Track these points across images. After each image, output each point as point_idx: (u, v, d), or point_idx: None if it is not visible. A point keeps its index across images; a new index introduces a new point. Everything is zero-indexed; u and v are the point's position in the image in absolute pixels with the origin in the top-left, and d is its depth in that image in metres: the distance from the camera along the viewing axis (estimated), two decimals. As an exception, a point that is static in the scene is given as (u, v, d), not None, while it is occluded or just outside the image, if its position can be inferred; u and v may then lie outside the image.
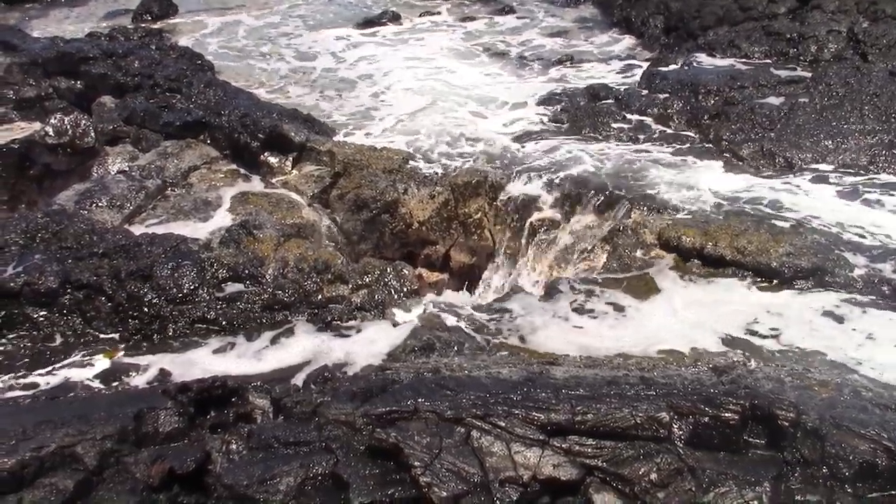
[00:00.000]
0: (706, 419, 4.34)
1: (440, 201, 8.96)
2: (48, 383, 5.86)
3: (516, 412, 4.10)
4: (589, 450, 3.99)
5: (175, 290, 6.66)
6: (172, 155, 8.92)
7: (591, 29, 15.52)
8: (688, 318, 6.42)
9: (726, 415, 4.33)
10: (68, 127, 9.54)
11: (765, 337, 6.12)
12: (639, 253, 7.41)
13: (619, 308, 6.61)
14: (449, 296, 7.59)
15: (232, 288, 6.77)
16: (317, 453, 3.94)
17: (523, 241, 8.84)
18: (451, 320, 6.57)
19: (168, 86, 10.05)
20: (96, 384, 5.87)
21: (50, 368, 6.18)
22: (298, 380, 5.71)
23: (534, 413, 4.10)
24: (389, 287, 7.22)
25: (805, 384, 5.13)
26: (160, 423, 4.37)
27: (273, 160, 9.23)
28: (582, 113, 10.51)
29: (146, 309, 6.58)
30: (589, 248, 8.05)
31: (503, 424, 4.02)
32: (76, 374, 6.06)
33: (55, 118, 9.54)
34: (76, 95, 10.25)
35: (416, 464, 3.77)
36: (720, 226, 7.43)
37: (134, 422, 4.23)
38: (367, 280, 7.19)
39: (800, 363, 5.68)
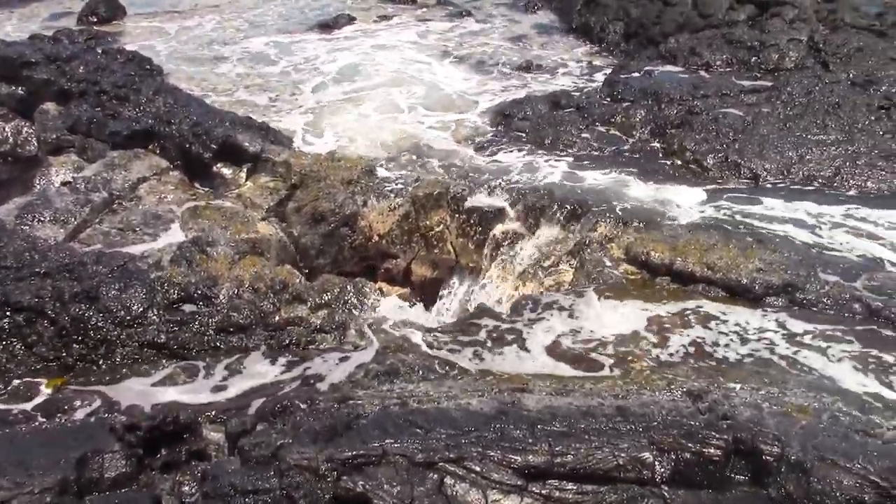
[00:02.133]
0: (688, 455, 4.13)
1: (401, 214, 8.69)
2: (-16, 416, 5.49)
3: (491, 454, 3.86)
4: (570, 495, 3.76)
5: (123, 312, 6.31)
6: (120, 166, 8.51)
7: (549, 34, 15.35)
8: (658, 337, 6.24)
9: (709, 450, 4.14)
10: (9, 135, 9.05)
11: (737, 357, 5.96)
12: (606, 269, 7.21)
13: (586, 328, 6.40)
14: (411, 313, 7.31)
15: (184, 310, 6.43)
16: (277, 503, 3.65)
17: (486, 254, 8.61)
18: (415, 340, 6.32)
19: (115, 93, 9.61)
20: (38, 416, 5.51)
21: (-14, 398, 5.81)
22: (255, 411, 5.39)
23: (510, 455, 3.86)
24: (350, 305, 6.94)
25: (783, 410, 4.98)
26: (106, 468, 4.04)
27: (226, 171, 8.88)
28: (544, 122, 10.32)
29: (92, 333, 6.23)
30: (555, 262, 7.84)
31: (478, 469, 3.77)
32: (16, 405, 5.68)
33: (-5, 126, 9.08)
34: (17, 101, 9.73)
35: (387, 516, 3.51)
36: (688, 240, 7.27)
37: (77, 469, 3.89)
38: (327, 298, 6.90)
39: (775, 385, 5.51)
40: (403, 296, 8.88)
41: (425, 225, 8.77)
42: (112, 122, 9.10)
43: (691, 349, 6.04)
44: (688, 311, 6.55)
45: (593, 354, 6.04)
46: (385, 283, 8.93)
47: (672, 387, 5.46)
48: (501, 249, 8.47)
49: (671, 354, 6.03)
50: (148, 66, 11.43)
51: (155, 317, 6.34)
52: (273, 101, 11.69)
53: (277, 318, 6.49)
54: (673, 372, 5.79)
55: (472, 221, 8.67)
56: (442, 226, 8.78)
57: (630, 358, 6.01)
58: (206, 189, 8.67)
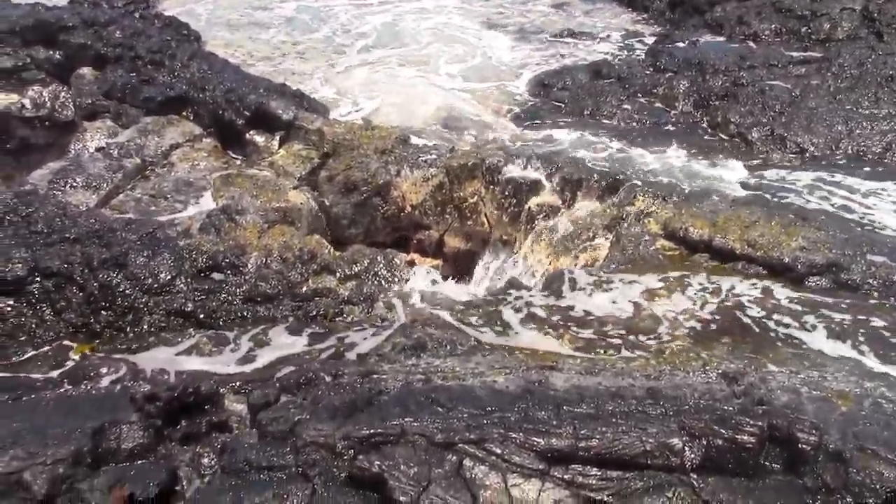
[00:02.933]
0: (720, 441, 3.96)
1: (434, 184, 8.53)
2: (12, 381, 5.49)
3: (513, 436, 3.72)
4: (594, 481, 3.61)
5: (151, 279, 6.28)
6: (153, 132, 8.47)
7: (594, 2, 14.99)
8: (694, 316, 6.04)
9: (743, 437, 3.96)
10: (47, 99, 9.10)
11: (776, 339, 5.74)
12: (643, 245, 7.01)
13: (621, 304, 6.21)
14: (442, 286, 7.20)
15: (211, 278, 6.37)
16: (292, 480, 3.56)
17: (521, 226, 8.43)
18: (444, 315, 6.19)
19: (150, 58, 9.54)
20: (64, 383, 5.49)
21: (14, 363, 5.81)
22: (279, 383, 5.31)
23: (533, 437, 3.72)
24: (379, 277, 6.84)
25: (823, 395, 4.77)
26: (123, 439, 3.98)
27: (259, 139, 8.78)
28: (583, 92, 10.07)
29: (119, 300, 6.20)
30: (591, 237, 7.65)
31: (499, 451, 3.64)
32: (42, 371, 5.68)
33: (33, 90, 9.09)
34: (55, 66, 9.73)
35: (402, 498, 3.39)
36: (729, 216, 7.03)
37: (93, 439, 3.83)
38: (356, 269, 6.81)
39: (814, 369, 5.30)
40: (435, 268, 8.77)
41: (459, 196, 8.61)
42: (146, 88, 9.05)
43: (728, 329, 5.83)
44: (726, 290, 6.33)
45: (626, 331, 5.86)
46: (417, 254, 8.81)
47: (707, 368, 5.29)
48: (537, 222, 8.28)
49: (707, 334, 5.83)
50: (185, 32, 11.34)
51: (182, 285, 6.30)
52: (309, 68, 11.55)
53: (305, 288, 6.41)
54: (708, 352, 5.60)
55: (507, 193, 8.48)
56: (476, 197, 8.61)
57: (664, 336, 5.83)
58: (239, 156, 8.59)
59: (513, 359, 5.54)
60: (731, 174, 8.10)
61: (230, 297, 6.29)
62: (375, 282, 6.76)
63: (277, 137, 8.82)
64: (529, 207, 8.36)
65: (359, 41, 12.73)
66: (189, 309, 6.19)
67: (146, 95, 8.96)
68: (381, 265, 6.89)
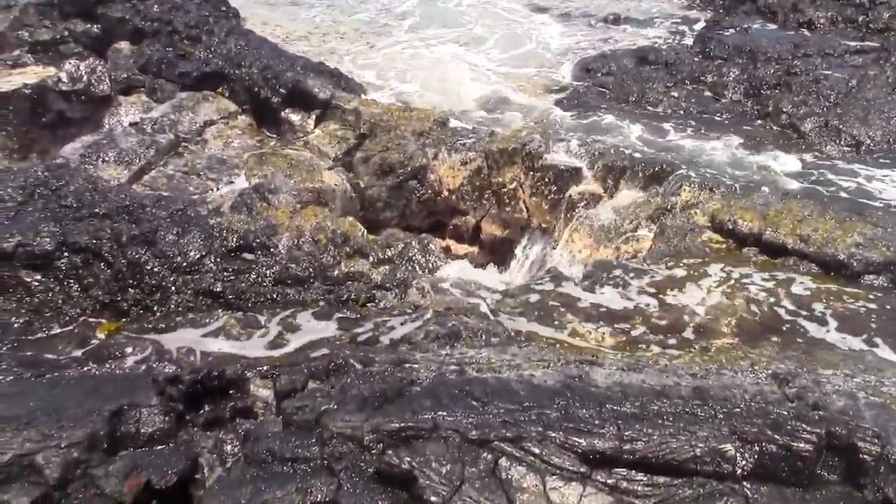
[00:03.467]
0: (775, 448, 3.69)
1: (473, 168, 8.29)
2: (34, 358, 5.35)
3: (553, 435, 3.48)
4: (639, 487, 3.36)
5: (180, 258, 6.12)
6: (188, 108, 8.32)
7: (640, -14, 14.60)
8: (741, 312, 5.75)
9: (799, 444, 3.68)
10: (83, 73, 8.98)
11: (829, 339, 5.45)
12: (689, 237, 6.72)
13: (665, 298, 5.94)
14: (478, 274, 6.96)
15: (242, 258, 6.20)
16: (317, 474, 3.35)
17: (561, 215, 8.16)
18: (479, 304, 5.95)
19: (187, 33, 9.39)
20: (88, 362, 5.35)
21: (40, 339, 5.69)
22: (307, 369, 5.12)
23: (573, 437, 3.47)
24: (414, 262, 6.63)
25: (882, 401, 4.47)
26: (142, 423, 3.80)
27: (294, 117, 8.59)
28: (629, 77, 9.75)
29: (147, 278, 6.06)
30: (634, 227, 7.36)
31: (537, 451, 3.40)
32: (66, 349, 5.54)
33: (70, 63, 8.99)
34: (92, 40, 9.64)
35: (434, 499, 3.17)
36: (780, 209, 6.72)
37: (110, 422, 3.66)
38: (390, 254, 6.60)
39: (871, 373, 5.00)
40: (471, 255, 8.54)
41: (498, 182, 8.35)
42: (182, 63, 8.91)
43: (777, 328, 5.55)
44: (776, 286, 6.03)
45: (669, 326, 5.61)
46: (453, 240, 8.59)
47: (756, 367, 5.01)
48: (577, 211, 8.00)
49: (754, 331, 5.56)
50: (223, 8, 11.13)
51: (212, 264, 6.13)
52: (349, 48, 11.34)
53: (337, 272, 6.21)
54: (757, 351, 5.33)
55: (547, 180, 8.21)
56: (515, 183, 8.35)
57: (710, 332, 5.56)
58: (274, 135, 8.41)
59: (551, 351, 5.30)
60: (782, 166, 7.77)
61: (260, 279, 6.11)
62: (409, 267, 6.55)
63: (313, 116, 8.63)
64: (570, 195, 8.09)
65: (400, 22, 12.49)
66: (218, 289, 6.03)
67: (182, 71, 8.81)
68: (416, 250, 6.68)
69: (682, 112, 8.99)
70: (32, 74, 9.04)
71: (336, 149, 8.10)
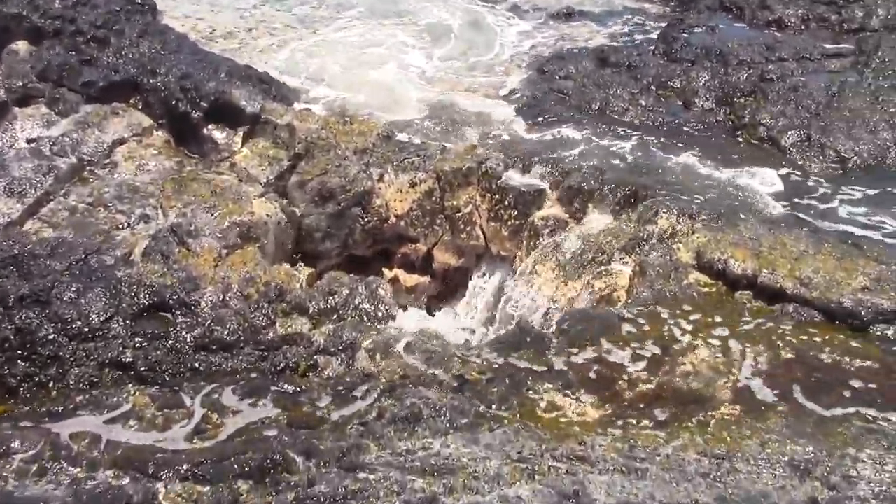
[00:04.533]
0: None
1: (423, 191, 7.44)
2: None
3: None
4: None
5: (80, 321, 5.15)
6: (93, 124, 7.23)
7: (594, -23, 13.76)
8: (741, 375, 5.02)
9: None
10: (-29, 80, 7.80)
11: (843, 409, 4.75)
12: (673, 278, 5.94)
13: (651, 356, 5.16)
14: (435, 323, 6.11)
15: (155, 320, 5.21)
16: None
17: (523, 242, 7.33)
18: (440, 368, 5.10)
19: (93, 33, 8.20)
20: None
21: None
22: (237, 472, 4.20)
23: None
24: (361, 312, 5.73)
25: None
26: None
27: (219, 135, 7.56)
28: (590, 82, 8.93)
29: (41, 347, 5.05)
30: (606, 259, 6.56)
31: None
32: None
33: (-43, 68, 7.81)
34: (-17, 39, 8.42)
35: None
36: (773, 245, 6.03)
37: None
38: (333, 303, 5.71)
39: (897, 453, 4.31)
40: (422, 285, 7.67)
41: (451, 205, 7.52)
42: (87, 70, 7.78)
43: (783, 393, 4.85)
44: (776, 339, 5.30)
45: (660, 393, 4.87)
46: (402, 269, 7.74)
47: (766, 450, 4.31)
48: (541, 238, 7.18)
49: (758, 398, 4.83)
50: (138, 1, 9.96)
51: (120, 328, 5.18)
52: (280, 46, 10.26)
53: (272, 334, 5.28)
54: (762, 424, 4.61)
55: (506, 203, 7.42)
56: (471, 206, 7.52)
57: (707, 400, 4.84)
58: (195, 155, 7.37)
59: (529, 435, 4.51)
60: (766, 187, 7.10)
61: (179, 345, 5.16)
62: (356, 318, 5.66)
63: (241, 133, 7.60)
64: (532, 220, 7.26)
65: (340, 14, 11.43)
66: (127, 359, 5.06)
67: (87, 79, 7.68)
68: (363, 297, 5.79)
69: (650, 123, 8.20)
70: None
71: (267, 171, 7.11)
